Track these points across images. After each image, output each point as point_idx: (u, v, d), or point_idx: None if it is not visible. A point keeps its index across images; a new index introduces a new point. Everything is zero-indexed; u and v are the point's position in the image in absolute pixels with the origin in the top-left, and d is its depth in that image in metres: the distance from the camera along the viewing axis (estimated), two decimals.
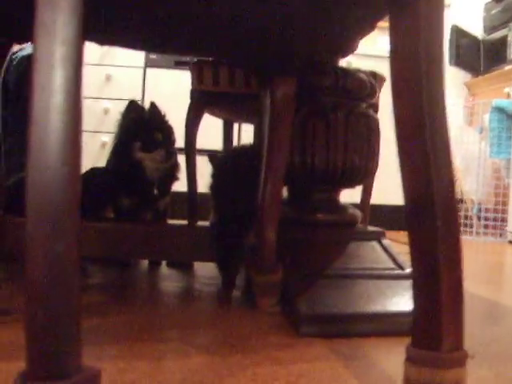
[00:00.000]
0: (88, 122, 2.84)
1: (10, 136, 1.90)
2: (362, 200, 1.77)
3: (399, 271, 1.20)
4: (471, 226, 3.49)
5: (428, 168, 0.59)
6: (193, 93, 1.70)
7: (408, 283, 1.16)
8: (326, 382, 0.76)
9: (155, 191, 1.41)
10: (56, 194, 0.43)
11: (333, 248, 1.28)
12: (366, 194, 1.76)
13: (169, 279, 1.56)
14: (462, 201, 3.70)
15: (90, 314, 1.03)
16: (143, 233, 1.29)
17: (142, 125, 1.38)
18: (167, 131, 1.42)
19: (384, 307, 1.07)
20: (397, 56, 0.64)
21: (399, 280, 1.17)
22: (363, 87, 1.39)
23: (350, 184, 1.40)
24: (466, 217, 3.60)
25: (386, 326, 1.04)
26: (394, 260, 1.24)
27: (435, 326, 0.59)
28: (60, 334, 0.40)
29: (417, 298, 0.61)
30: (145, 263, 1.75)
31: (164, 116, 1.46)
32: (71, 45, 0.44)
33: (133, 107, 1.39)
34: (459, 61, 4.12)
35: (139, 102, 1.50)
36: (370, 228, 1.39)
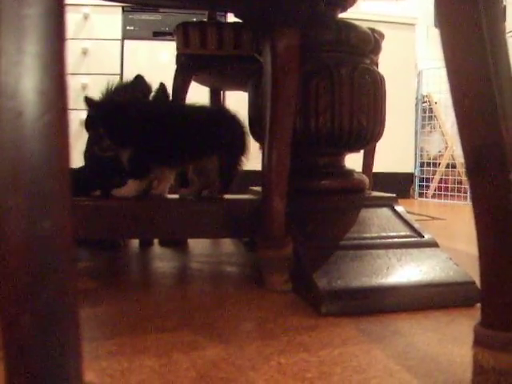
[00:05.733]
0: None
1: None
2: (364, 166, 1.66)
3: (418, 238, 1.10)
4: (465, 192, 3.42)
5: (494, 113, 0.48)
6: (179, 57, 1.56)
7: (430, 251, 1.08)
8: (365, 369, 0.65)
9: None
10: (35, 153, 0.31)
11: (344, 216, 1.17)
12: (369, 159, 1.65)
13: (163, 259, 1.44)
14: (453, 165, 3.64)
15: (81, 304, 0.91)
16: (136, 209, 1.16)
17: None
18: None
19: (408, 278, 0.97)
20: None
21: (420, 248, 1.07)
22: (367, 41, 1.28)
23: (357, 147, 1.30)
24: (458, 181, 3.54)
25: (412, 298, 0.94)
26: (411, 227, 1.14)
27: None
28: (54, 346, 0.28)
29: (485, 269, 0.50)
30: (135, 243, 1.63)
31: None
32: None
33: (141, 83, 1.26)
34: None
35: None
36: (381, 194, 1.28)
